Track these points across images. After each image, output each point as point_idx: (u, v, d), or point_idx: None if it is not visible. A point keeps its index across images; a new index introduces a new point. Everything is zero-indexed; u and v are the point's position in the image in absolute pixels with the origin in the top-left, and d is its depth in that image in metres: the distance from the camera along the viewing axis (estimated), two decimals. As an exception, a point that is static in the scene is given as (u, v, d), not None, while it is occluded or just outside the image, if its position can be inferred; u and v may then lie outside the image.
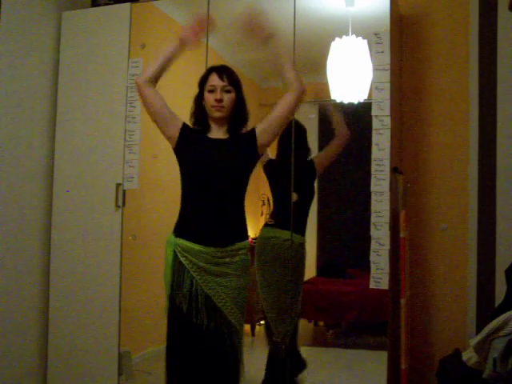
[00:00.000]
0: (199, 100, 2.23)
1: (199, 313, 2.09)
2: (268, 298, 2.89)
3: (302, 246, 2.91)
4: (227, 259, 2.13)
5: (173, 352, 2.15)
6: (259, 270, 2.92)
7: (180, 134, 2.22)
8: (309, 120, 3.00)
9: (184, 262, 2.12)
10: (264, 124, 2.21)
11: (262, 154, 2.26)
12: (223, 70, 2.20)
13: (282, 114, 2.18)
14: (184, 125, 2.24)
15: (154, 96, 2.21)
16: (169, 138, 2.24)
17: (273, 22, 2.18)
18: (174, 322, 2.16)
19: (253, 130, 2.21)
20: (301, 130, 2.92)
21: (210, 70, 2.22)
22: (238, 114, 2.22)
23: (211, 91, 2.17)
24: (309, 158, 2.96)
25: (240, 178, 2.20)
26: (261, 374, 2.87)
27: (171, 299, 2.15)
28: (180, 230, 2.18)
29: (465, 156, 2.95)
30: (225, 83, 2.17)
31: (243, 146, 2.20)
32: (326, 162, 2.95)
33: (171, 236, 2.18)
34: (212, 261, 2.11)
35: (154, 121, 2.25)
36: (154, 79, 2.22)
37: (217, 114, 2.18)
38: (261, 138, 2.20)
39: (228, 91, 2.17)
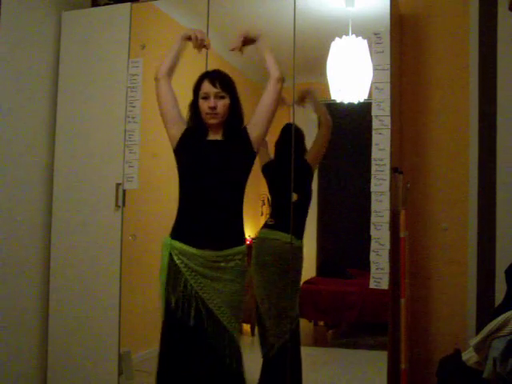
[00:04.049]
0: (194, 106, 2.22)
1: (193, 316, 2.07)
2: (265, 300, 2.86)
3: (300, 249, 2.89)
4: (222, 264, 2.11)
5: (166, 356, 2.12)
6: (257, 270, 2.89)
7: (182, 136, 2.24)
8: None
9: (179, 265, 2.11)
10: (252, 118, 2.23)
11: (257, 152, 2.25)
12: (216, 76, 2.19)
13: (266, 103, 2.22)
14: (188, 128, 2.25)
15: (169, 92, 2.27)
16: (171, 138, 2.26)
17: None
18: (169, 325, 2.14)
19: (244, 128, 2.22)
20: (299, 134, 2.92)
21: (203, 77, 2.21)
22: (233, 118, 2.21)
23: (205, 98, 2.17)
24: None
25: (237, 179, 2.19)
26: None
27: (166, 302, 2.13)
28: (176, 232, 2.17)
29: (465, 156, 2.95)
30: (218, 90, 2.15)
31: (238, 146, 2.20)
32: (318, 155, 2.92)
33: (167, 238, 2.17)
34: (207, 265, 2.10)
35: (162, 116, 2.28)
36: (171, 72, 2.30)
37: (211, 121, 2.18)
38: (252, 132, 2.21)
39: (222, 97, 2.16)
